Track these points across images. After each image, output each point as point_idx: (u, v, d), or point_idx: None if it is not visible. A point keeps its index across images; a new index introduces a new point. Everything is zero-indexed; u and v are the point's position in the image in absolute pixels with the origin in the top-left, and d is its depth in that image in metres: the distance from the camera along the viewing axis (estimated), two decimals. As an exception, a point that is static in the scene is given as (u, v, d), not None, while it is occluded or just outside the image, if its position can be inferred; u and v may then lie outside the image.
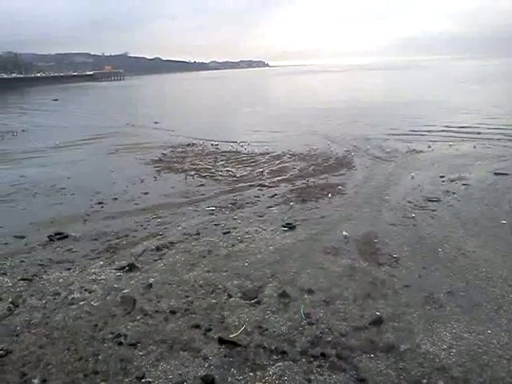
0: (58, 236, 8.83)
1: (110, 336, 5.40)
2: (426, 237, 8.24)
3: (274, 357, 4.91)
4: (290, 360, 4.84)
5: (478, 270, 6.80)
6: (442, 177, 12.43)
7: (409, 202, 10.35)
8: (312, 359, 4.85)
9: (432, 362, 4.72)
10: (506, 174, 12.43)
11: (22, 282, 6.95)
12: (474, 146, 16.58)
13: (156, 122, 28.48)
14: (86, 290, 6.59)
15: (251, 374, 4.65)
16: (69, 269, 7.40)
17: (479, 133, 19.25)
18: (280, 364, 4.78)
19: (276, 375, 4.61)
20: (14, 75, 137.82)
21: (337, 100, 40.87)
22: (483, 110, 26.33)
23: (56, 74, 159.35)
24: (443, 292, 6.19)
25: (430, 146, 16.93)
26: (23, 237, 8.92)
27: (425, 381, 4.46)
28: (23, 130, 26.92)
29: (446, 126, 21.44)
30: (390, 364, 4.73)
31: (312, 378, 4.56)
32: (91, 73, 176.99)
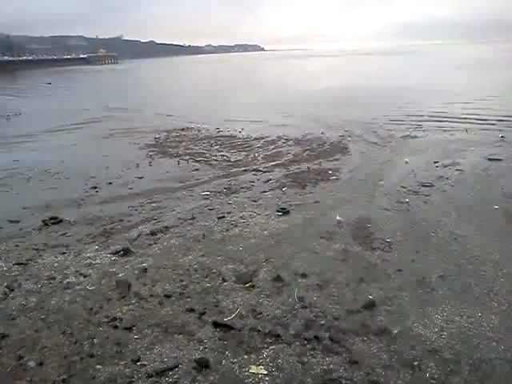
0: (52, 220, 8.80)
1: (106, 320, 5.42)
2: (420, 221, 8.29)
3: (268, 340, 4.95)
4: (283, 343, 4.89)
5: (470, 255, 6.86)
6: (435, 162, 12.45)
7: (402, 187, 10.38)
8: (305, 342, 4.90)
9: (423, 345, 4.78)
10: (500, 160, 12.47)
11: (16, 266, 6.93)
12: (468, 132, 16.59)
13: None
14: (81, 275, 6.60)
15: (245, 356, 4.70)
16: (64, 253, 7.39)
17: (474, 119, 19.16)
18: (274, 347, 4.83)
19: (270, 358, 4.65)
20: (6, 58, 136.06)
21: (332, 85, 40.66)
22: (480, 97, 26.15)
23: (49, 57, 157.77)
24: (435, 276, 6.24)
25: (424, 132, 16.94)
26: (18, 221, 8.88)
27: (416, 363, 4.52)
28: (16, 114, 26.57)
29: (442, 112, 21.37)
30: (382, 347, 4.78)
31: (305, 360, 4.61)
32: (85, 56, 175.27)
